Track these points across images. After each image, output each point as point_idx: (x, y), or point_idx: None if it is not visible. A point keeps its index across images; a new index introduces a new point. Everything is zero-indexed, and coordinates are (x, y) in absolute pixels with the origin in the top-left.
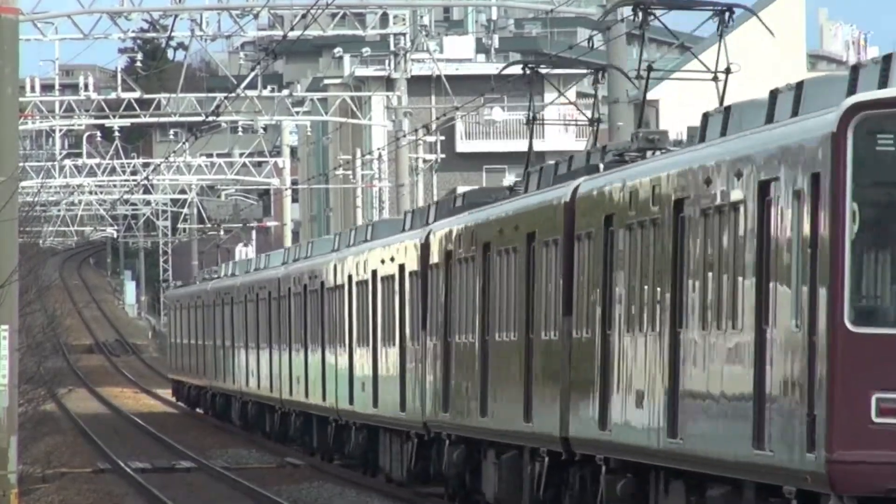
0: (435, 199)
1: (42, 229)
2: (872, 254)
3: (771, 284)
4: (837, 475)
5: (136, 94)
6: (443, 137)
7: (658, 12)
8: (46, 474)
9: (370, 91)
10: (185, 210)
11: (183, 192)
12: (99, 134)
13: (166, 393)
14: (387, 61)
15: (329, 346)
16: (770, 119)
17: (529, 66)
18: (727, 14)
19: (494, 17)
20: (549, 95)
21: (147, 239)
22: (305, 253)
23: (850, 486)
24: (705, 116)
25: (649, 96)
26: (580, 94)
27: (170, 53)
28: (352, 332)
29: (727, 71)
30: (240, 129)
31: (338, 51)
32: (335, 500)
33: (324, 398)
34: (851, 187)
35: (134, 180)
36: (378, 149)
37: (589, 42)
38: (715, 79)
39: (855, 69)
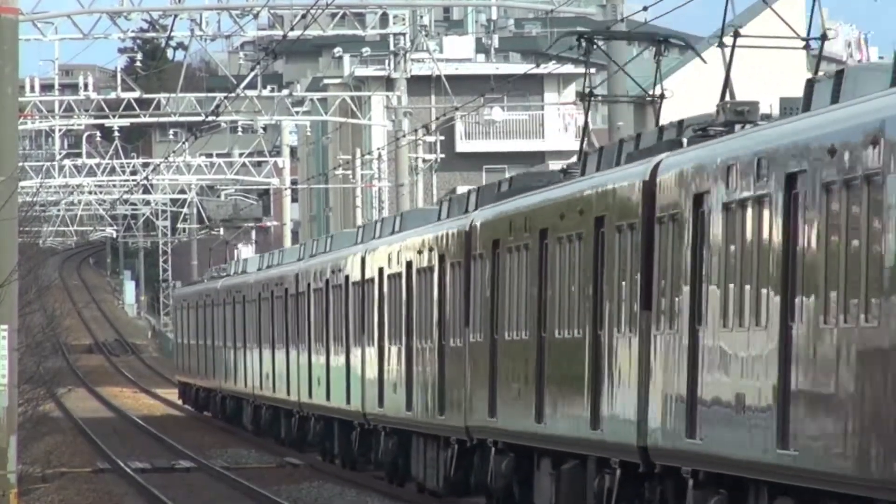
0: (435, 199)
1: (42, 229)
2: None
3: None
4: None
5: (136, 94)
6: (443, 137)
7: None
8: (46, 474)
9: (370, 91)
10: (185, 210)
11: (182, 191)
12: (98, 134)
13: (166, 393)
14: (387, 61)
15: (355, 344)
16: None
17: (584, 35)
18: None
19: (494, 17)
20: (549, 95)
21: (147, 239)
22: (324, 247)
23: None
24: (810, 83)
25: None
26: (580, 95)
27: (169, 53)
28: (382, 329)
29: (661, 97)
30: (239, 129)
31: (338, 51)
32: (335, 500)
33: (348, 401)
34: None
35: (133, 180)
36: (378, 149)
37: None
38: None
39: None
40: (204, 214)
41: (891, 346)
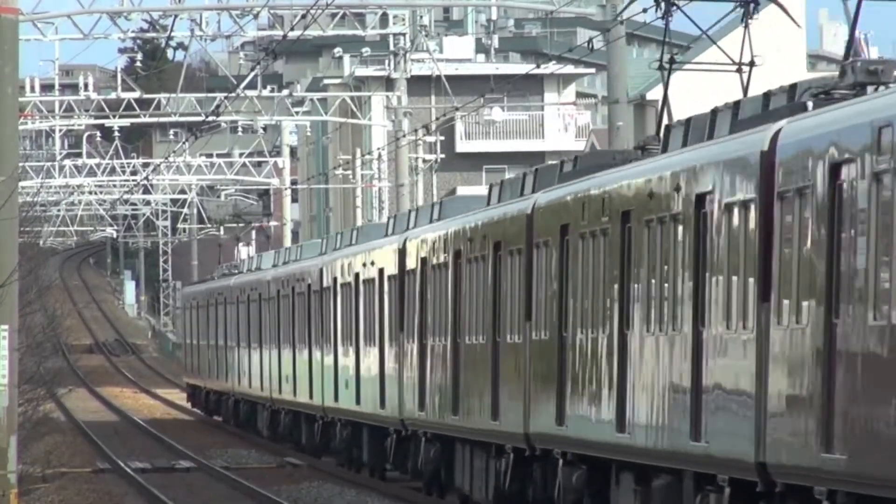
0: (435, 199)
1: (42, 229)
2: None
3: None
4: None
5: (136, 94)
6: (442, 137)
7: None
8: (46, 474)
9: (370, 91)
10: (185, 210)
11: (183, 192)
12: (99, 134)
13: (166, 393)
14: (387, 61)
15: (391, 343)
16: None
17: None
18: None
19: (494, 17)
20: (549, 95)
21: (147, 239)
22: (350, 240)
23: None
24: None
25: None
26: (580, 94)
27: (170, 53)
28: (424, 325)
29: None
30: (239, 129)
31: (338, 51)
32: (335, 500)
33: (382, 405)
34: None
35: (134, 180)
36: (378, 149)
37: (589, 44)
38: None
39: None
40: (204, 215)
41: None
